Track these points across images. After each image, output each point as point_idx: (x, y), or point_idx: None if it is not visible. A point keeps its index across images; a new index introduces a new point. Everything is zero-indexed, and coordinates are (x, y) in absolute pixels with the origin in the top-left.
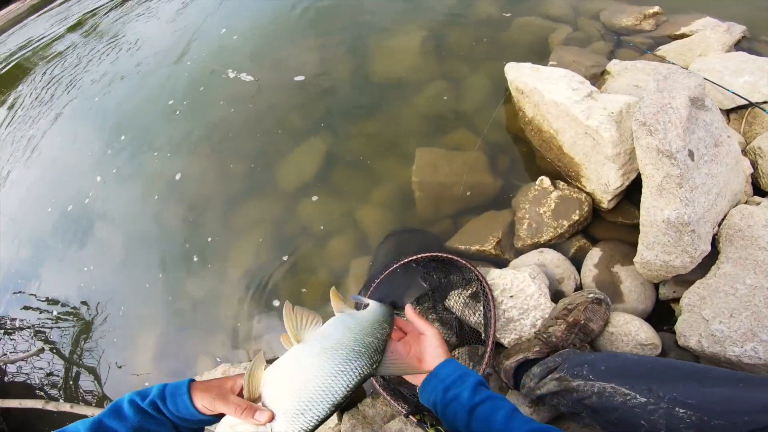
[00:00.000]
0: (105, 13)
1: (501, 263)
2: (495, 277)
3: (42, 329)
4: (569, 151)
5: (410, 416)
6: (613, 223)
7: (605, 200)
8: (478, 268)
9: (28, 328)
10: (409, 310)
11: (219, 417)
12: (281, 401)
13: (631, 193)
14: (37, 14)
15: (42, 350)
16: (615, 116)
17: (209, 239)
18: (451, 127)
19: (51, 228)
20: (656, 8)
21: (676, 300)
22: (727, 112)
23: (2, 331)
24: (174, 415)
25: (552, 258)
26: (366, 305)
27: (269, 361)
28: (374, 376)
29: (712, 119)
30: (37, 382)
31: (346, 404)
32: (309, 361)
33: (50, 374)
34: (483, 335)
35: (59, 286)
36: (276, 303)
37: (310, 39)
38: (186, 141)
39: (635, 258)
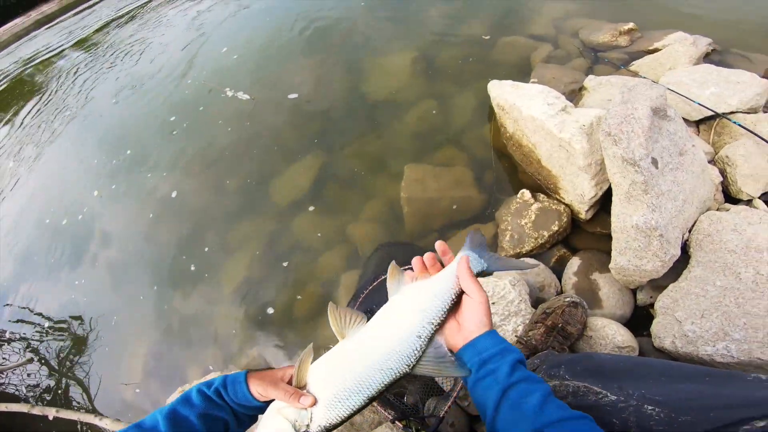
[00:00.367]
0: (110, 30)
1: None
2: None
3: (32, 340)
4: (547, 164)
5: (396, 422)
6: (591, 233)
7: (582, 211)
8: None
9: (18, 340)
10: (463, 267)
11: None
12: (324, 390)
13: (607, 204)
14: (42, 28)
15: (31, 360)
16: (586, 128)
17: (206, 249)
18: (439, 144)
19: (48, 239)
20: (631, 24)
21: (653, 305)
22: (697, 124)
23: None
24: (233, 402)
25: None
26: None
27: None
28: (411, 373)
29: (675, 129)
30: (26, 390)
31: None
32: (351, 356)
33: (37, 385)
34: None
35: (53, 297)
36: (270, 311)
37: (305, 58)
38: (183, 159)
39: (610, 264)
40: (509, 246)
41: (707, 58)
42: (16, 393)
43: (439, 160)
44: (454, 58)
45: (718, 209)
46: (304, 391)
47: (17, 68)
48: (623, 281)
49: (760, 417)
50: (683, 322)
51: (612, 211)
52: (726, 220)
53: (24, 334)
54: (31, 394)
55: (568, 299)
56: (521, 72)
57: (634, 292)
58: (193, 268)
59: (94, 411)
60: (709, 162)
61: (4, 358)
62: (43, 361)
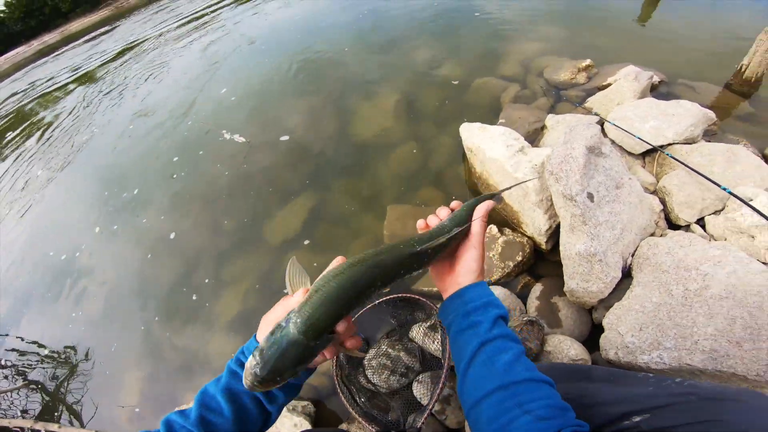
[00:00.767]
0: (112, 66)
1: None
2: None
3: (30, 367)
4: (509, 200)
5: None
6: (553, 262)
7: (542, 242)
8: (436, 304)
9: (11, 367)
10: (482, 210)
11: None
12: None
13: None
14: (43, 59)
15: (28, 384)
16: (537, 168)
17: (206, 280)
18: (419, 185)
19: (48, 273)
20: (588, 61)
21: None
22: (643, 156)
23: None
24: None
25: (499, 293)
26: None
27: None
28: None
29: (611, 164)
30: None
31: None
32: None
33: (37, 410)
34: (442, 360)
35: (51, 327)
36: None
37: (296, 100)
38: (182, 201)
39: (564, 288)
40: None
41: (655, 90)
42: (17, 414)
43: (420, 199)
44: (433, 101)
45: (661, 235)
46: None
47: (18, 102)
48: (576, 302)
49: (639, 411)
50: (624, 335)
51: (560, 241)
52: (661, 245)
53: (22, 361)
54: (30, 415)
55: (525, 318)
56: (492, 112)
57: (590, 311)
58: (194, 297)
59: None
60: (653, 192)
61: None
62: (39, 387)
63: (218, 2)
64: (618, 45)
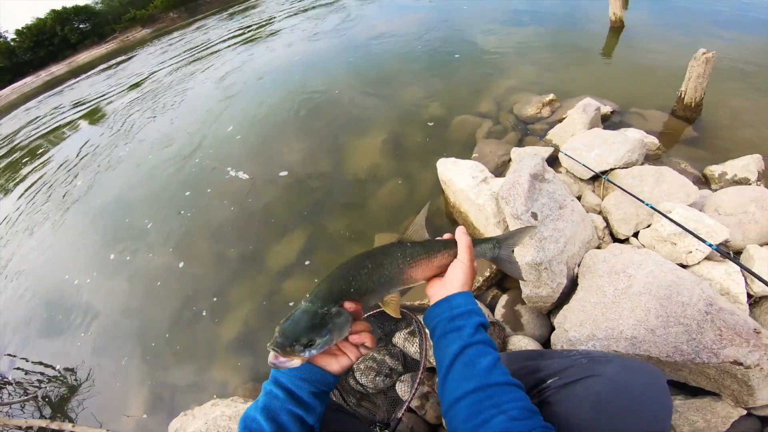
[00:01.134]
0: (120, 100)
1: None
2: None
3: (42, 381)
4: (475, 224)
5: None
6: None
7: None
8: (415, 314)
9: (12, 384)
10: (460, 231)
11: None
12: None
13: None
14: (50, 91)
15: (35, 397)
16: (494, 194)
17: (214, 299)
18: (404, 215)
19: (66, 297)
20: (551, 96)
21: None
22: (592, 180)
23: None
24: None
25: None
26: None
27: None
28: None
29: (554, 189)
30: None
31: None
32: None
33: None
34: (419, 360)
35: (64, 344)
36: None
37: (294, 137)
38: (191, 234)
39: (522, 295)
40: None
41: (608, 120)
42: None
43: (405, 228)
44: (417, 138)
45: (605, 247)
46: None
47: (27, 135)
48: (534, 307)
49: (551, 375)
50: (569, 331)
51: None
52: (599, 255)
53: (32, 375)
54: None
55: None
56: (467, 147)
57: (548, 316)
58: (204, 313)
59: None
60: (599, 213)
61: (11, 394)
62: (46, 400)
63: (230, 38)
64: (581, 78)
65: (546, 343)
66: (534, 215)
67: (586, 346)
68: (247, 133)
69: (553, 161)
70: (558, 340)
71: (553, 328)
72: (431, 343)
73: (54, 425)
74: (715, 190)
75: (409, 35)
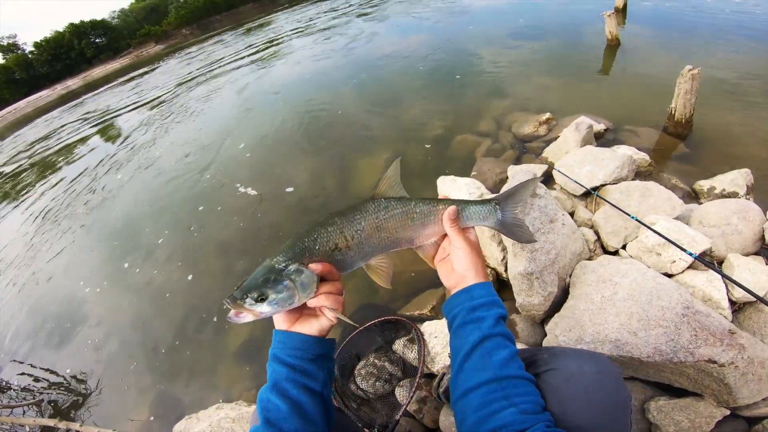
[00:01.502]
0: (140, 120)
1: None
2: (426, 326)
3: (53, 385)
4: None
5: (365, 430)
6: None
7: (502, 271)
8: (415, 323)
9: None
10: (447, 220)
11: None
12: None
13: None
14: (65, 105)
15: (41, 401)
16: None
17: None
18: None
19: (77, 304)
20: (548, 114)
21: None
22: (585, 196)
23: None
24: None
25: None
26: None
27: None
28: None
29: (546, 203)
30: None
31: None
32: None
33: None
34: (418, 366)
35: (75, 349)
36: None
37: (301, 154)
38: (201, 247)
39: (516, 304)
40: None
41: (601, 138)
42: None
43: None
44: (419, 157)
45: (596, 259)
46: None
47: (41, 149)
48: (527, 315)
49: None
50: (558, 336)
51: (508, 265)
52: (589, 266)
53: (39, 379)
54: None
55: None
56: (467, 166)
57: (542, 324)
58: (215, 319)
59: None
60: (591, 227)
61: (15, 399)
62: (51, 404)
63: (246, 55)
64: (577, 97)
65: None
66: None
67: None
68: (256, 150)
69: (548, 178)
70: (548, 345)
71: (546, 336)
72: (429, 350)
73: (62, 425)
74: (703, 204)
75: (413, 56)
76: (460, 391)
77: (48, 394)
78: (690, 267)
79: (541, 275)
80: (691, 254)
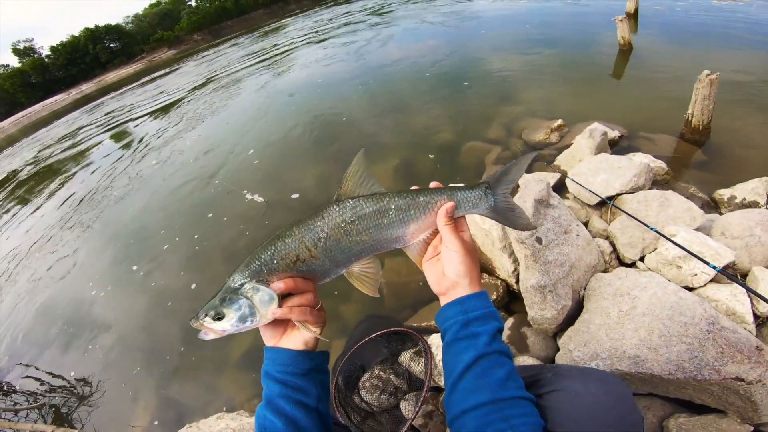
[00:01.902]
0: (155, 129)
1: None
2: (433, 338)
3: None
4: (483, 249)
5: None
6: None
7: (513, 282)
8: (422, 335)
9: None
10: (442, 216)
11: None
12: None
13: None
14: (80, 109)
15: (42, 405)
16: None
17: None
18: None
19: (83, 309)
20: (559, 121)
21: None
22: (599, 206)
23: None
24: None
25: None
26: None
27: None
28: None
29: (559, 214)
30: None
31: None
32: None
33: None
34: (425, 380)
35: (78, 352)
36: None
37: (308, 160)
38: (206, 255)
39: (528, 317)
40: None
41: (616, 145)
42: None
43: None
44: (427, 164)
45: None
46: None
47: (55, 152)
48: (539, 329)
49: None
50: (573, 351)
51: (519, 278)
52: (605, 278)
53: (42, 383)
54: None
55: None
56: (477, 173)
57: (554, 338)
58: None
59: None
60: (606, 238)
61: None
62: (53, 408)
63: (257, 61)
64: (589, 103)
65: (553, 362)
66: (539, 240)
67: (589, 366)
68: (265, 157)
69: (561, 187)
70: (562, 361)
71: (558, 350)
72: (437, 363)
73: (60, 431)
74: (724, 214)
75: (423, 62)
76: (455, 411)
77: (50, 397)
78: (712, 280)
79: (555, 288)
80: (714, 267)
